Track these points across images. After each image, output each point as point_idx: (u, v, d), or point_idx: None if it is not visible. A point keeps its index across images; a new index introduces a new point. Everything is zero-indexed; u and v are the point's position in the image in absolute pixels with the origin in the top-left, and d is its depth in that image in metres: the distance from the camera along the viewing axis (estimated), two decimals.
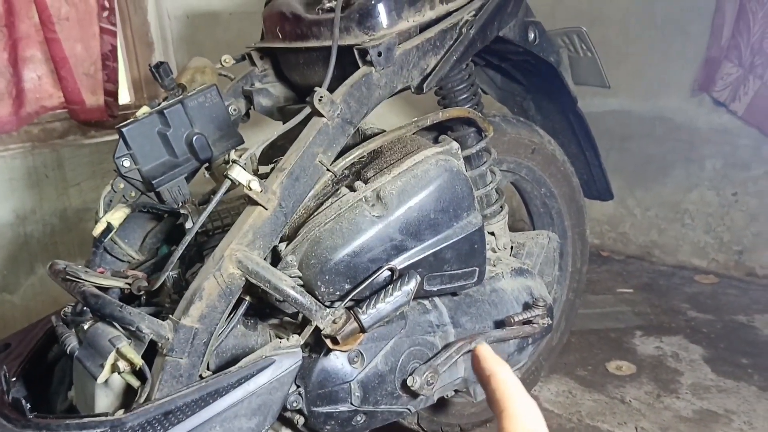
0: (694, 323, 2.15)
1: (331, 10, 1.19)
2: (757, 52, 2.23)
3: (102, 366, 0.94)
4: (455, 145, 1.18)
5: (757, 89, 2.25)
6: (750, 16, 2.22)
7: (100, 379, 0.95)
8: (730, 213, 2.47)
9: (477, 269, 1.18)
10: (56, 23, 2.05)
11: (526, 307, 1.30)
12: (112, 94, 2.18)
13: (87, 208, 2.12)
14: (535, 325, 1.27)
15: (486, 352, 0.51)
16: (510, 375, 0.48)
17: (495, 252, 1.43)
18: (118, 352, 0.94)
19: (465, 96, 1.35)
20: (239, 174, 0.98)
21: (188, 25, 2.28)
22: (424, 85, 1.18)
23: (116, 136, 1.22)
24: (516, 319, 1.25)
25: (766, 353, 1.96)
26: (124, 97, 2.37)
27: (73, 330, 1.05)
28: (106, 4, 2.12)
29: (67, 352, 1.01)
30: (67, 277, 1.06)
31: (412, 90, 1.20)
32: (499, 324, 1.27)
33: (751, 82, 2.26)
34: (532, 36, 1.40)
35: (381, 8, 1.16)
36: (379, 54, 1.11)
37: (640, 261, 2.73)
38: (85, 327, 1.02)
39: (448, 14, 1.23)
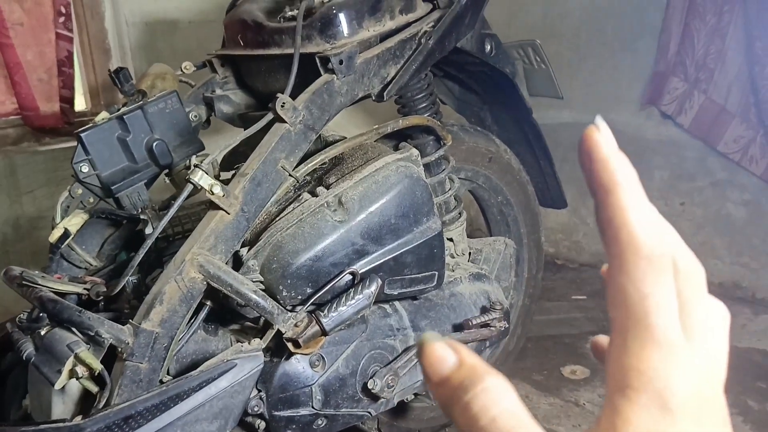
0: None
1: (293, 18, 1.21)
2: (701, 68, 2.34)
3: (59, 372, 0.93)
4: (415, 152, 1.21)
5: (701, 103, 2.36)
6: (694, 34, 2.33)
7: (58, 385, 0.93)
8: (677, 222, 2.57)
9: (436, 273, 1.21)
10: (10, 28, 2.01)
11: (484, 310, 1.33)
12: (67, 100, 2.14)
13: (41, 216, 2.07)
14: (492, 328, 1.30)
15: (605, 143, 0.25)
16: (640, 193, 0.25)
17: (453, 257, 1.46)
18: (76, 357, 0.93)
19: (424, 105, 1.38)
20: (201, 178, 0.99)
21: (146, 32, 2.26)
22: (385, 93, 1.20)
23: (72, 143, 1.21)
24: (474, 322, 1.28)
25: None
26: (81, 103, 2.33)
27: (29, 336, 1.04)
28: (63, 10, 2.09)
29: (24, 358, 0.99)
30: (23, 282, 1.04)
31: (373, 98, 1.22)
32: (458, 327, 1.30)
33: (696, 96, 2.36)
34: (488, 48, 1.44)
35: (342, 18, 1.18)
36: (341, 62, 1.14)
37: (593, 268, 2.81)
38: (42, 333, 1.00)
39: (408, 25, 1.27)
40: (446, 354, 0.26)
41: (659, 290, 0.24)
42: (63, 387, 0.95)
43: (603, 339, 0.34)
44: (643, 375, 0.23)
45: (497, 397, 0.24)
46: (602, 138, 0.26)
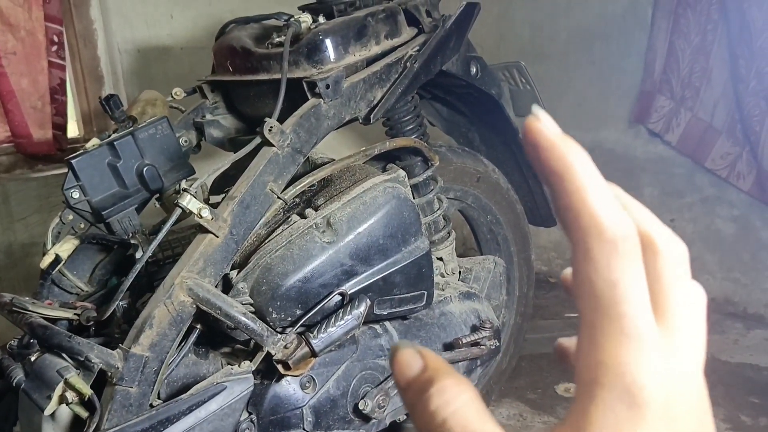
0: None
1: (281, 44, 1.23)
2: (687, 86, 2.37)
3: (49, 397, 0.93)
4: (402, 173, 1.22)
5: (688, 120, 2.39)
6: (679, 53, 2.37)
7: (48, 411, 0.94)
8: None
9: (425, 293, 1.22)
10: (3, 57, 2.03)
11: (474, 329, 1.34)
12: (60, 127, 2.16)
13: (33, 242, 2.07)
14: (482, 346, 1.30)
15: (550, 129, 0.24)
16: (594, 174, 0.23)
17: (443, 277, 1.47)
18: (66, 382, 0.93)
19: (411, 127, 1.40)
20: (190, 202, 1.00)
21: (139, 59, 2.29)
22: (371, 116, 1.22)
23: (65, 170, 1.22)
24: (464, 341, 1.29)
25: (705, 372, 2.02)
26: (73, 130, 2.35)
27: (20, 362, 1.04)
28: (55, 39, 2.11)
29: (13, 384, 1.00)
30: (14, 308, 1.05)
31: (360, 121, 1.24)
32: (448, 346, 1.30)
33: (683, 113, 2.40)
34: (474, 70, 1.47)
35: (329, 43, 1.21)
36: (327, 86, 1.16)
37: None
38: (32, 359, 1.00)
39: (394, 49, 1.29)
40: (413, 359, 0.26)
41: (627, 276, 0.22)
42: (53, 413, 0.95)
43: (566, 341, 0.33)
44: (610, 370, 0.22)
45: (452, 395, 0.24)
46: (544, 125, 0.24)
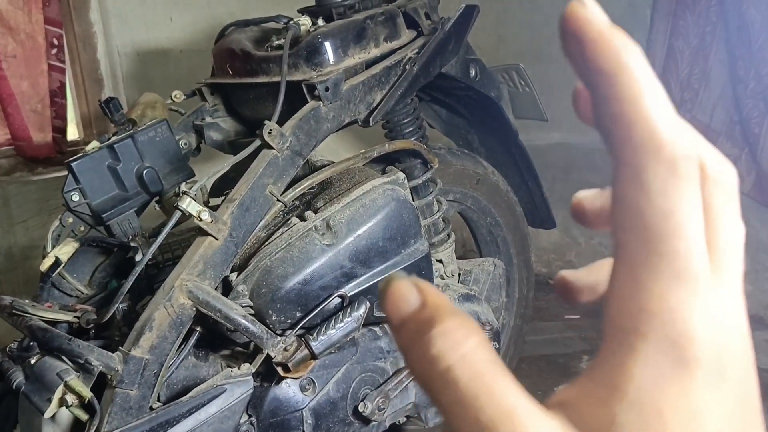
0: None
1: (280, 47, 1.23)
2: (686, 88, 2.38)
3: (49, 400, 0.93)
4: (401, 175, 1.23)
5: (687, 122, 2.39)
6: (678, 55, 2.38)
7: (48, 414, 0.94)
8: None
9: None
10: (3, 60, 2.03)
11: None
12: (60, 130, 2.16)
13: (34, 245, 2.08)
14: None
15: (595, 19, 0.19)
16: (650, 77, 0.19)
17: (443, 279, 1.47)
18: (66, 385, 0.93)
19: (410, 129, 1.41)
20: (189, 205, 1.00)
21: (139, 61, 2.29)
22: (371, 119, 1.23)
23: (65, 173, 1.22)
24: None
25: None
26: (73, 133, 2.35)
27: (20, 365, 1.04)
28: (55, 42, 2.12)
29: (13, 387, 1.00)
30: (14, 311, 1.05)
31: (359, 123, 1.25)
32: None
33: (682, 115, 2.39)
34: (473, 72, 1.47)
35: (328, 46, 1.21)
36: (327, 89, 1.16)
37: None
38: (32, 361, 1.00)
39: (393, 52, 1.29)
40: (409, 293, 0.21)
41: (685, 206, 0.19)
42: (53, 416, 0.95)
43: (569, 273, 0.29)
44: (655, 317, 0.18)
45: (458, 339, 0.20)
46: (591, 12, 0.19)
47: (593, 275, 0.28)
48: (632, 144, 0.19)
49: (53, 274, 1.21)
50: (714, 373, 0.18)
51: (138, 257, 1.19)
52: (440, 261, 1.47)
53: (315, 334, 1.05)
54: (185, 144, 1.41)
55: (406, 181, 1.23)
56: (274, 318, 1.08)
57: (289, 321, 1.09)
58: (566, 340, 2.37)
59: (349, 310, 1.08)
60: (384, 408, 1.18)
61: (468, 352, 0.19)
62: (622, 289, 0.19)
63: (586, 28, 0.19)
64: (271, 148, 1.10)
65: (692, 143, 0.19)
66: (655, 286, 0.18)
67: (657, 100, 0.19)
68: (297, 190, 1.15)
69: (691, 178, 0.19)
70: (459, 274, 1.53)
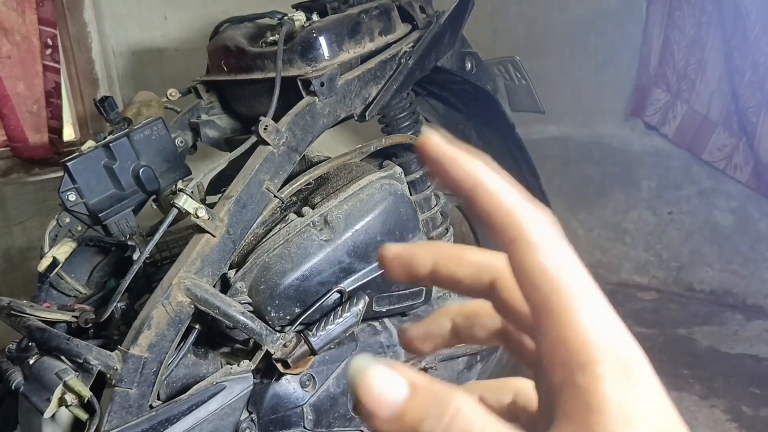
0: (638, 338, 2.16)
1: (274, 43, 1.23)
2: (683, 79, 2.37)
3: (48, 400, 0.93)
4: (398, 169, 1.22)
5: (684, 113, 2.39)
6: (674, 45, 2.37)
7: (47, 414, 0.93)
8: (667, 231, 2.59)
9: (424, 289, 1.22)
10: None
11: None
12: (56, 131, 2.16)
13: (31, 246, 2.07)
14: None
15: (445, 147, 0.25)
16: (500, 180, 0.25)
17: None
18: (65, 384, 0.93)
19: (407, 123, 1.40)
20: (186, 202, 1.00)
21: (134, 61, 2.29)
22: (366, 113, 1.22)
23: (61, 173, 1.22)
24: None
25: (706, 364, 2.05)
26: (69, 133, 2.34)
27: (18, 366, 1.04)
28: (50, 42, 2.11)
29: (12, 388, 0.99)
30: (12, 312, 1.04)
31: (355, 118, 1.24)
32: None
33: (679, 106, 2.40)
34: (469, 66, 1.47)
35: (322, 41, 1.21)
36: (322, 84, 1.15)
37: None
38: (31, 362, 1.00)
39: (388, 46, 1.29)
40: (392, 382, 0.21)
41: (567, 256, 0.23)
42: (53, 415, 0.95)
43: (411, 328, 0.32)
44: (595, 345, 0.22)
45: (473, 415, 0.21)
46: (439, 142, 0.25)
47: (433, 326, 0.31)
48: (515, 226, 0.23)
49: (51, 275, 1.21)
50: (644, 373, 0.22)
51: (136, 256, 1.19)
52: None
53: (314, 330, 1.05)
54: (181, 142, 1.41)
55: (403, 175, 1.23)
56: (272, 314, 1.07)
57: (288, 317, 1.09)
58: None
59: (348, 306, 1.08)
60: None
61: (485, 418, 0.21)
62: (560, 335, 0.22)
63: (442, 155, 0.24)
64: (267, 144, 1.10)
65: (545, 212, 0.24)
66: (585, 322, 0.22)
67: (511, 194, 0.24)
68: (294, 186, 1.15)
69: (560, 234, 0.23)
70: None
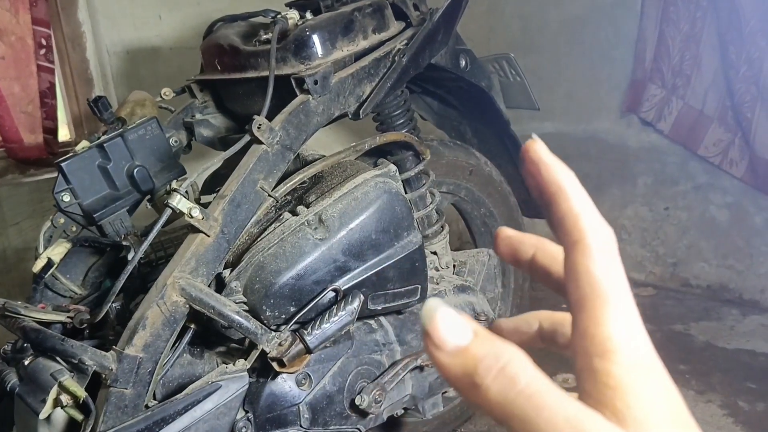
0: None
1: (268, 41, 1.23)
2: (678, 74, 2.37)
3: (44, 401, 0.93)
4: (393, 167, 1.22)
5: (680, 108, 2.39)
6: (669, 41, 2.37)
7: (42, 415, 0.93)
8: (663, 227, 2.59)
9: (419, 287, 1.22)
10: None
11: None
12: (51, 131, 2.15)
13: (27, 247, 2.07)
14: None
15: (545, 153, 0.29)
16: (582, 191, 0.29)
17: (438, 270, 1.47)
18: (60, 385, 0.93)
19: (401, 121, 1.40)
20: (180, 202, 1.00)
21: (128, 60, 2.28)
22: (361, 111, 1.22)
23: (56, 174, 1.21)
24: None
25: (703, 359, 2.05)
26: (64, 134, 2.34)
27: (14, 367, 1.04)
28: (43, 42, 2.10)
29: (7, 389, 0.99)
30: (6, 313, 1.04)
31: (349, 116, 1.24)
32: None
33: (674, 102, 2.40)
34: (463, 63, 1.47)
35: (316, 39, 1.20)
36: (316, 82, 1.15)
37: None
38: (26, 363, 1.00)
39: (381, 43, 1.29)
40: (461, 323, 0.26)
41: (616, 269, 0.27)
42: (48, 416, 0.95)
43: (504, 321, 0.37)
44: (615, 340, 0.25)
45: (524, 365, 0.25)
46: (542, 147, 0.29)
47: (523, 324, 0.36)
48: (579, 231, 0.27)
49: (46, 275, 1.21)
50: (655, 366, 0.26)
51: (131, 256, 1.19)
52: (434, 253, 1.47)
53: (309, 329, 1.05)
54: (176, 141, 1.40)
55: (397, 173, 1.23)
56: (268, 313, 1.07)
57: (284, 316, 1.09)
58: None
59: (343, 304, 1.08)
60: (381, 401, 1.18)
61: (532, 375, 0.24)
62: (589, 328, 0.26)
63: (541, 156, 0.29)
64: (261, 143, 1.10)
65: (609, 230, 0.28)
66: (613, 321, 0.26)
67: (587, 205, 0.28)
68: (288, 185, 1.15)
69: (615, 252, 0.27)
70: (454, 266, 1.52)
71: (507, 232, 0.35)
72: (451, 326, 0.25)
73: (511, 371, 0.24)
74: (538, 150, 0.30)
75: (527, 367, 0.24)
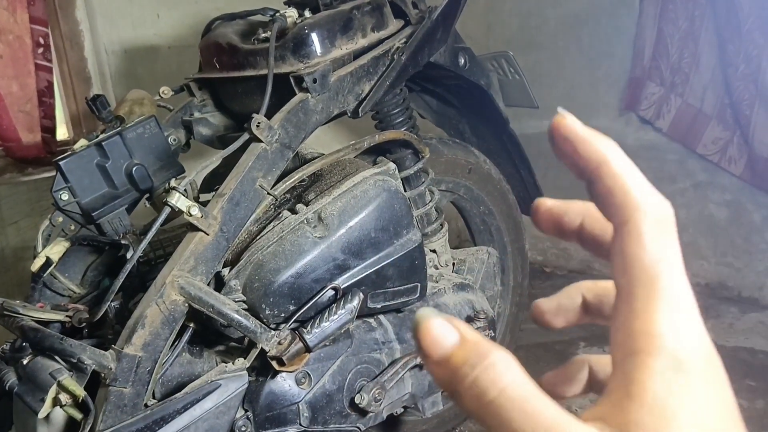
0: None
1: (266, 39, 1.22)
2: (677, 72, 2.37)
3: (43, 400, 0.93)
4: (392, 165, 1.22)
5: (678, 106, 2.39)
6: (668, 39, 2.37)
7: (42, 414, 0.93)
8: None
9: (419, 285, 1.22)
10: None
11: (469, 320, 1.34)
12: (49, 130, 2.15)
13: (26, 246, 2.06)
14: None
15: (579, 127, 0.26)
16: (628, 162, 0.26)
17: (437, 269, 1.47)
18: (59, 384, 0.93)
19: (401, 119, 1.40)
20: (179, 200, 0.99)
21: (126, 59, 2.28)
22: (360, 110, 1.22)
23: (55, 172, 1.21)
24: None
25: None
26: (63, 133, 2.33)
27: (12, 366, 1.03)
28: (41, 41, 2.10)
29: (6, 388, 0.99)
30: (5, 312, 1.04)
31: (349, 114, 1.24)
32: None
33: (673, 100, 2.40)
34: (462, 61, 1.46)
35: (315, 37, 1.20)
36: (315, 81, 1.15)
37: (581, 275, 2.82)
38: (25, 362, 1.00)
39: (380, 42, 1.29)
40: (446, 331, 0.25)
41: (671, 252, 0.24)
42: (47, 416, 0.95)
43: (544, 302, 0.34)
44: (654, 338, 0.23)
45: (503, 370, 0.23)
46: (572, 122, 0.26)
47: (565, 299, 0.33)
48: (626, 209, 0.25)
49: (44, 274, 1.20)
50: (703, 378, 0.23)
51: (129, 255, 1.18)
52: (434, 251, 1.47)
53: (309, 327, 1.05)
54: (174, 140, 1.40)
55: (397, 171, 1.23)
56: (267, 312, 1.07)
57: (283, 315, 1.08)
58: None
59: (342, 302, 1.08)
60: (380, 399, 1.18)
61: (510, 382, 0.23)
62: (624, 320, 0.24)
63: (574, 132, 0.26)
64: (260, 141, 1.09)
65: (665, 204, 0.25)
66: (652, 314, 0.23)
67: (638, 177, 0.25)
68: (287, 183, 1.15)
69: (672, 231, 0.24)
70: (453, 264, 1.52)
71: (547, 204, 0.32)
72: (436, 336, 0.25)
73: (485, 379, 0.23)
74: (570, 125, 0.26)
75: (504, 374, 0.23)
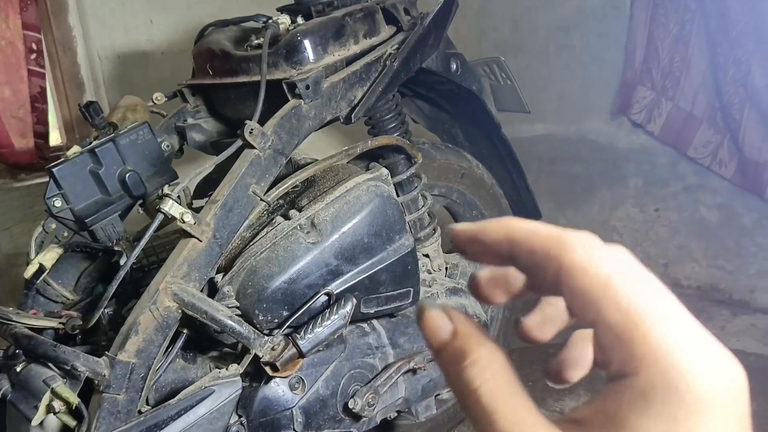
0: None
1: (259, 46, 1.23)
2: (667, 76, 2.39)
3: (36, 407, 0.93)
4: (385, 171, 1.23)
5: (669, 110, 2.41)
6: (658, 43, 2.39)
7: (35, 421, 0.93)
8: (654, 228, 2.61)
9: (412, 290, 1.22)
10: None
11: None
12: (42, 136, 2.14)
13: (18, 253, 2.06)
14: None
15: (468, 225, 0.28)
16: (529, 222, 0.27)
17: (430, 273, 1.47)
18: (52, 391, 0.93)
19: (393, 125, 1.41)
20: (172, 207, 1.00)
21: (119, 64, 2.28)
22: (352, 116, 1.23)
23: (48, 179, 1.21)
24: None
25: None
26: (56, 138, 2.33)
27: (5, 373, 1.03)
28: (34, 47, 2.10)
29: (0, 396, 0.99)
30: None
31: (341, 120, 1.24)
32: None
33: (664, 103, 2.41)
34: (454, 66, 1.47)
35: (307, 44, 1.21)
36: (307, 87, 1.16)
37: None
38: (18, 369, 1.00)
39: (373, 48, 1.29)
40: (443, 322, 0.27)
41: (634, 275, 0.26)
42: (41, 423, 0.95)
43: (527, 318, 0.33)
44: (644, 359, 0.24)
45: (484, 366, 0.25)
46: (465, 225, 0.29)
47: (547, 308, 0.33)
48: (550, 251, 0.27)
49: (38, 281, 1.20)
50: (708, 401, 0.23)
51: (123, 261, 1.18)
52: (427, 255, 1.47)
53: (302, 333, 1.05)
54: (167, 146, 1.40)
55: (389, 176, 1.24)
56: (260, 318, 1.08)
57: (276, 320, 1.09)
58: None
59: (335, 308, 1.08)
60: (374, 404, 1.18)
61: (490, 377, 0.25)
62: (608, 343, 0.25)
63: (471, 231, 0.29)
64: (253, 147, 1.10)
65: (584, 235, 0.27)
66: (653, 330, 0.24)
67: (542, 229, 0.27)
68: (280, 189, 1.15)
69: (603, 249, 0.27)
70: (446, 268, 1.53)
71: (484, 273, 0.32)
72: (434, 326, 0.27)
73: (470, 372, 0.25)
74: (464, 229, 0.29)
75: (487, 368, 0.25)
